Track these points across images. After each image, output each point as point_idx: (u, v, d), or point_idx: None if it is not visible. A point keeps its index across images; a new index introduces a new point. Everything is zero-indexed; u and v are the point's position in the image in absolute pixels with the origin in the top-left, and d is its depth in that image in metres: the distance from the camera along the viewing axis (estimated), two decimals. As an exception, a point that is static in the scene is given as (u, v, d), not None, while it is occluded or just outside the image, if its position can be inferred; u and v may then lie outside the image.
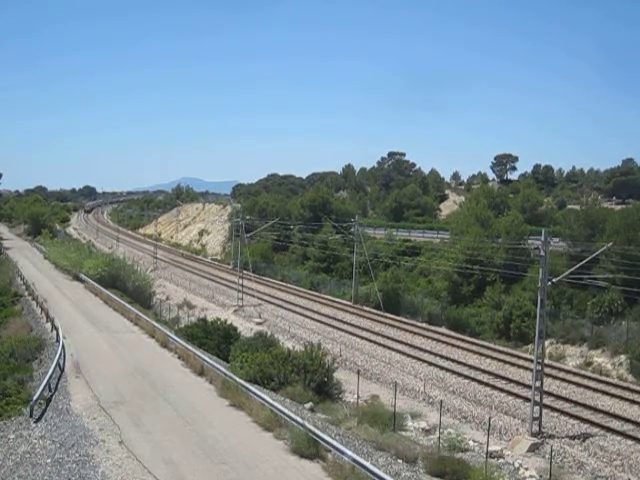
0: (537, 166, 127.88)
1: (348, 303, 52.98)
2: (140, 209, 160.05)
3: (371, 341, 40.26)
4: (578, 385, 31.02)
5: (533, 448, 23.79)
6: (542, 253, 24.93)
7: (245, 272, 56.27)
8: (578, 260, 31.84)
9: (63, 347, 26.92)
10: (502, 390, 30.21)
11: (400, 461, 17.03)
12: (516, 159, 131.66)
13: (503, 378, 32.11)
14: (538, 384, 25.28)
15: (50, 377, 22.06)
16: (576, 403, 28.20)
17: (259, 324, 45.81)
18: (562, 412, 27.00)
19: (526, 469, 21.59)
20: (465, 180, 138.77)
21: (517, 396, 29.20)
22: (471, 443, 23.41)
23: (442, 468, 16.75)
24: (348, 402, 26.00)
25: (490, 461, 20.50)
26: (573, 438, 24.62)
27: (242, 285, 53.62)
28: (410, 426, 24.99)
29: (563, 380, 31.79)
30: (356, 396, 26.47)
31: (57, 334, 29.99)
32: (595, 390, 30.21)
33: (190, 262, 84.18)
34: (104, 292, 45.30)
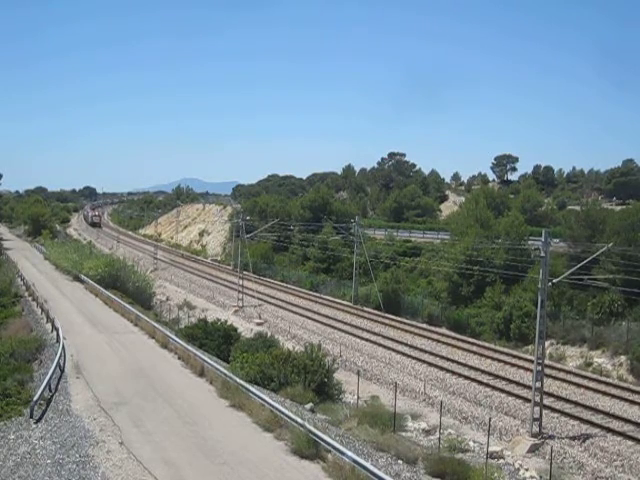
0: (537, 167, 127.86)
1: (348, 304, 52.95)
2: (140, 210, 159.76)
3: (371, 342, 40.25)
4: (578, 386, 31.02)
5: (533, 449, 23.81)
6: (542, 254, 24.94)
7: (245, 273, 56.29)
8: (578, 261, 31.89)
9: (63, 348, 26.87)
10: (502, 391, 30.21)
11: (400, 462, 17.00)
12: (516, 160, 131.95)
13: (503, 379, 32.10)
14: (538, 385, 25.29)
15: (50, 378, 22.03)
16: (576, 404, 28.20)
17: (259, 325, 45.83)
18: (562, 413, 27.00)
19: (526, 470, 21.63)
20: (465, 181, 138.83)
21: (517, 397, 29.20)
22: (471, 444, 23.42)
23: (442, 469, 16.73)
24: (348, 403, 25.96)
25: (490, 462, 20.49)
26: (573, 439, 24.63)
27: (242, 286, 53.61)
28: (410, 427, 25.00)
29: (563, 381, 31.78)
30: (356, 397, 26.47)
31: (57, 335, 29.96)
32: (595, 391, 30.21)
33: (190, 263, 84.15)
34: (104, 293, 45.28)
